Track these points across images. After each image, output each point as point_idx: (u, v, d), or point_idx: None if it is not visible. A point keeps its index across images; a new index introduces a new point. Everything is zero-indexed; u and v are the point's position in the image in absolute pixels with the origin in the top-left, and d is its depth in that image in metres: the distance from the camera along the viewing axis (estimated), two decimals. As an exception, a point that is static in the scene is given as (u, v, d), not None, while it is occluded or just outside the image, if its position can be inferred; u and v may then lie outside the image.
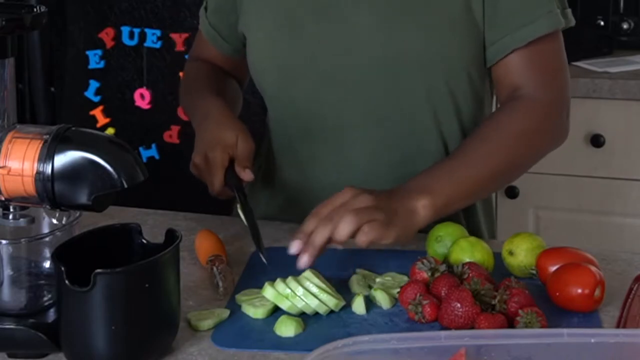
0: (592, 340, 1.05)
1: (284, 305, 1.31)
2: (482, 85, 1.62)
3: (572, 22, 1.58)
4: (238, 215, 1.51)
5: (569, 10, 1.58)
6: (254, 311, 1.31)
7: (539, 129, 1.54)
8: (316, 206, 1.38)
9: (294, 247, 1.34)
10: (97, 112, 2.44)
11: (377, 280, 1.40)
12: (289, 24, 1.58)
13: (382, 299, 1.34)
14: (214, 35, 1.73)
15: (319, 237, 1.33)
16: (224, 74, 1.76)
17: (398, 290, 1.34)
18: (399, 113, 1.57)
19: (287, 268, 1.43)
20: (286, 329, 1.27)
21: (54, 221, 1.30)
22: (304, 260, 1.33)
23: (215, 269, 1.41)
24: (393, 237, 1.36)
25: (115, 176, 1.17)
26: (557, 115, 1.56)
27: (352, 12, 1.55)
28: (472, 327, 1.24)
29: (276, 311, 1.32)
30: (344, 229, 1.33)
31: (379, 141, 1.58)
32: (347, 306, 1.34)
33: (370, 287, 1.39)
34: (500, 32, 1.54)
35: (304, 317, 1.31)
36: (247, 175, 1.53)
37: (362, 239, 1.33)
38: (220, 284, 1.38)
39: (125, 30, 2.38)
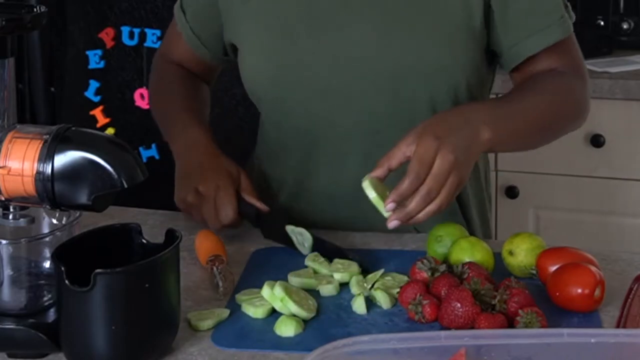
0: (592, 340, 1.05)
1: (277, 306, 1.31)
2: (479, 93, 1.62)
3: (573, 18, 1.60)
4: (276, 238, 1.51)
5: (569, 7, 1.60)
6: (254, 311, 1.32)
7: (577, 92, 1.59)
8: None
9: (390, 205, 1.35)
10: (97, 112, 2.43)
11: (377, 280, 1.40)
12: (283, 35, 1.57)
13: (382, 299, 1.34)
14: (195, 40, 1.71)
15: (417, 210, 1.36)
16: (199, 83, 1.75)
17: (398, 290, 1.34)
18: (393, 123, 1.56)
19: (287, 268, 1.43)
20: (286, 328, 1.27)
21: (54, 221, 1.30)
22: (394, 223, 1.36)
23: (215, 269, 1.41)
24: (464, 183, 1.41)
25: (115, 176, 1.17)
26: (586, 91, 1.61)
27: (348, 22, 1.54)
28: (472, 327, 1.24)
29: (276, 311, 1.32)
30: (440, 207, 1.37)
31: (373, 150, 1.57)
32: (347, 306, 1.34)
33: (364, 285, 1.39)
34: (512, 39, 1.56)
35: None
36: (263, 206, 1.54)
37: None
38: (220, 284, 1.38)
39: (125, 30, 2.38)
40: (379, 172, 1.38)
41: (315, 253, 1.46)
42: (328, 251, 1.47)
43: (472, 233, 1.62)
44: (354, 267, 1.42)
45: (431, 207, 1.36)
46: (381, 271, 1.41)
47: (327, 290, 1.37)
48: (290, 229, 1.50)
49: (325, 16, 1.55)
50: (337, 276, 1.40)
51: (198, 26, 1.70)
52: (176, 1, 1.75)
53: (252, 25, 1.60)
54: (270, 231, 1.53)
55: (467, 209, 1.65)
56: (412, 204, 1.35)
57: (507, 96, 1.55)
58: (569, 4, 1.60)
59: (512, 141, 1.52)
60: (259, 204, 1.54)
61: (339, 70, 1.55)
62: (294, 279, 1.39)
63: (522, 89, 1.55)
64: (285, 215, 1.58)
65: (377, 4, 1.54)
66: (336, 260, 1.44)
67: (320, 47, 1.55)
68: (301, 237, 1.49)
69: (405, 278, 1.39)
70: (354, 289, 1.38)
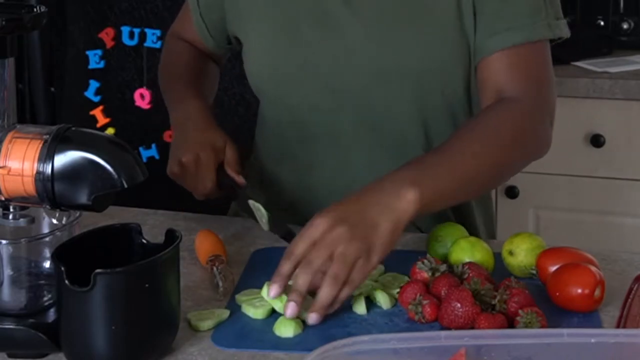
0: (592, 340, 1.05)
1: (277, 306, 1.31)
2: (477, 91, 1.62)
3: (565, 34, 1.55)
4: (242, 214, 1.51)
5: (563, 22, 1.55)
6: (254, 311, 1.31)
7: (523, 133, 1.49)
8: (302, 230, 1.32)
9: (273, 292, 1.28)
10: (97, 112, 2.43)
11: (377, 280, 1.40)
12: (286, 31, 1.57)
13: (382, 299, 1.34)
14: (203, 27, 1.72)
15: (302, 283, 1.28)
16: (206, 59, 1.76)
17: (398, 290, 1.34)
18: (392, 121, 1.57)
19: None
20: (285, 329, 1.27)
21: (54, 221, 1.30)
22: (291, 311, 1.27)
23: (215, 269, 1.41)
24: (376, 263, 1.31)
25: (115, 176, 1.17)
26: (540, 122, 1.52)
27: (348, 20, 1.54)
28: (472, 327, 1.24)
29: (276, 311, 1.32)
30: (326, 293, 1.27)
31: (374, 147, 1.58)
32: (347, 306, 1.34)
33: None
34: (485, 34, 1.53)
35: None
36: (241, 179, 1.56)
37: (346, 294, 1.29)
38: (220, 284, 1.38)
39: (125, 30, 2.38)
40: (280, 281, 1.29)
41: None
42: (280, 230, 1.48)
43: (473, 232, 1.62)
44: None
45: (346, 292, 1.28)
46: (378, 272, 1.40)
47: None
48: (251, 203, 1.51)
49: (327, 14, 1.56)
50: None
51: (207, 13, 1.71)
52: (175, 1, 1.75)
53: (256, 21, 1.61)
54: (241, 204, 1.55)
55: (470, 216, 1.65)
56: (322, 291, 1.27)
57: (438, 151, 1.43)
58: (561, 16, 1.55)
59: (445, 199, 1.41)
60: (237, 178, 1.56)
61: (342, 68, 1.55)
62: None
63: (457, 139, 1.45)
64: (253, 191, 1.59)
65: (379, 2, 1.54)
66: None
67: (322, 44, 1.56)
68: (259, 212, 1.50)
69: (406, 278, 1.39)
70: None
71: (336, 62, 1.55)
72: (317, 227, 1.29)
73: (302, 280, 1.27)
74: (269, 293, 1.29)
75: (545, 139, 1.52)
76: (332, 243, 1.28)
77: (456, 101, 1.57)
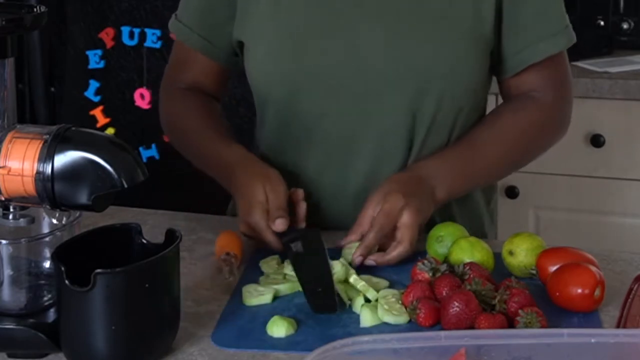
0: (592, 340, 1.05)
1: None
2: (483, 96, 1.63)
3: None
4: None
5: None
6: (259, 298, 1.34)
7: (544, 125, 1.62)
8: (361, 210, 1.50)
9: (358, 260, 1.45)
10: (97, 112, 2.43)
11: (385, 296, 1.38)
12: (293, 37, 1.56)
13: (364, 316, 1.30)
14: (205, 45, 1.67)
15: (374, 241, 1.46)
16: (212, 100, 1.73)
17: (387, 307, 1.33)
18: (401, 124, 1.56)
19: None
20: (277, 329, 1.27)
21: (54, 221, 1.30)
22: (359, 260, 1.45)
23: (226, 259, 1.42)
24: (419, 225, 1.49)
25: (115, 176, 1.17)
26: (561, 113, 1.64)
27: (359, 25, 1.54)
28: (472, 327, 1.24)
29: (271, 311, 1.32)
30: (399, 255, 1.46)
31: (381, 150, 1.58)
32: (347, 306, 1.34)
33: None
34: (519, 45, 1.58)
35: (305, 317, 1.31)
36: (277, 226, 1.47)
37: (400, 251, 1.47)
38: (227, 275, 1.39)
39: (125, 30, 2.38)
40: (352, 237, 1.48)
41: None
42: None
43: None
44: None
45: (401, 250, 1.45)
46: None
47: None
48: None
49: (336, 16, 1.55)
50: None
51: (209, 33, 1.66)
52: (175, 3, 1.74)
53: (261, 28, 1.59)
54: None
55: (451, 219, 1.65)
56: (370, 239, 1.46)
57: (464, 145, 1.59)
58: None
59: (469, 190, 1.63)
60: (273, 225, 1.46)
61: (349, 71, 1.54)
62: (278, 287, 1.38)
63: (483, 131, 1.60)
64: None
65: (389, 6, 1.54)
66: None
67: (331, 50, 1.55)
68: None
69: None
70: (354, 290, 1.37)
71: (345, 65, 1.54)
72: (387, 202, 1.47)
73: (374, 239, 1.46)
74: (355, 260, 1.44)
75: (563, 125, 1.67)
76: (410, 223, 1.47)
77: (464, 105, 1.58)
